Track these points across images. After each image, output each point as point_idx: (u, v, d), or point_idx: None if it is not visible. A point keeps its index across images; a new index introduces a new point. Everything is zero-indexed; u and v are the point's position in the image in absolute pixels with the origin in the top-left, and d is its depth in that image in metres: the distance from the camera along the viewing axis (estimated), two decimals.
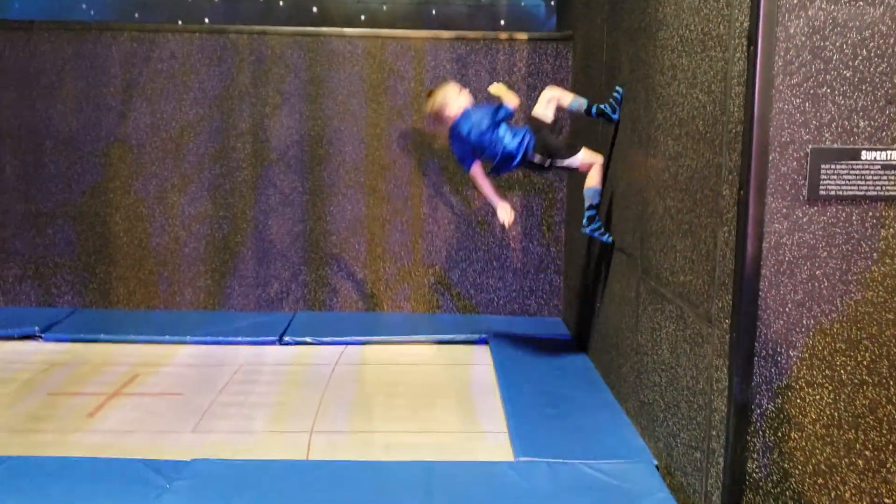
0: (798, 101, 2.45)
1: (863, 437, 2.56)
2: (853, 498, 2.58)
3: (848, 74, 2.43)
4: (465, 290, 5.78)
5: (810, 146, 2.47)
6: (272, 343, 5.12)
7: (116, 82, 5.56)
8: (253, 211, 5.69)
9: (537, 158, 4.16)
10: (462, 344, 5.17)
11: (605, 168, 4.23)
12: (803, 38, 2.43)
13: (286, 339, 5.14)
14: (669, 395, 3.21)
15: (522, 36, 5.57)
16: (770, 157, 2.47)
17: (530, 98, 5.55)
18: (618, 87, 4.10)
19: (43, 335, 5.13)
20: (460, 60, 5.56)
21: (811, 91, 2.45)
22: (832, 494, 2.58)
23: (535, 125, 4.20)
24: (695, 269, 2.93)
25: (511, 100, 4.20)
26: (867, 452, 2.57)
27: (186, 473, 3.16)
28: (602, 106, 4.19)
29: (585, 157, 4.18)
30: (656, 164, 3.42)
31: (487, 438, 3.74)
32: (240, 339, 5.13)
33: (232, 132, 5.62)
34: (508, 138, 4.16)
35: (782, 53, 2.43)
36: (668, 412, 3.22)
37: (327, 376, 4.54)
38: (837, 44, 2.42)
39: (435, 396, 4.27)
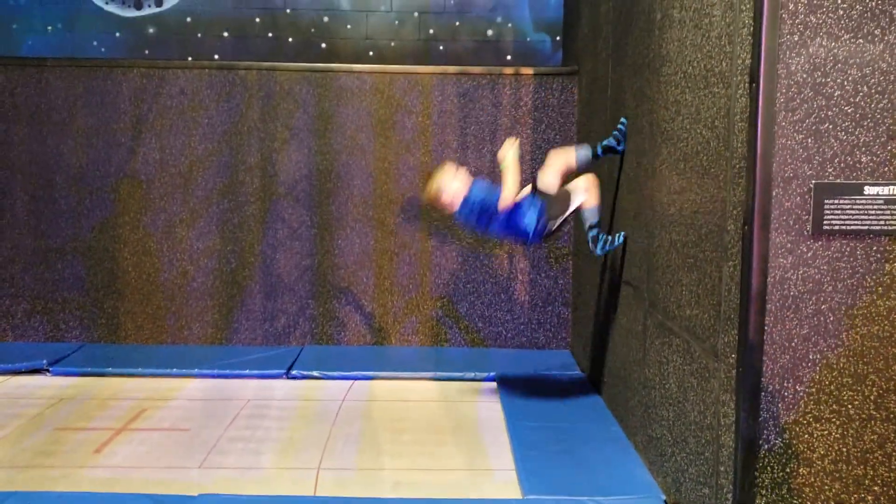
0: (800, 136, 2.47)
1: (872, 472, 2.54)
2: None
3: (849, 110, 2.45)
4: (474, 322, 5.78)
5: (813, 181, 2.48)
6: (280, 377, 5.12)
7: (126, 118, 5.63)
8: (261, 245, 5.72)
9: (551, 226, 4.12)
10: (470, 381, 5.14)
11: (613, 196, 4.17)
12: (804, 75, 2.45)
13: (294, 373, 5.14)
14: (677, 430, 3.19)
15: (528, 71, 5.62)
16: (774, 193, 2.49)
17: (536, 131, 5.60)
18: (622, 119, 4.13)
19: (50, 369, 5.15)
20: (467, 95, 5.62)
21: (813, 127, 2.47)
22: None
23: (542, 195, 4.10)
24: (701, 303, 2.93)
25: (508, 183, 4.02)
26: (876, 488, 2.54)
27: None
28: (606, 142, 4.20)
29: (578, 193, 4.11)
30: (661, 198, 3.44)
31: (495, 476, 3.71)
32: (247, 372, 5.14)
33: (240, 167, 5.67)
34: (515, 219, 4.08)
35: (784, 90, 2.46)
36: (677, 447, 3.20)
37: (335, 412, 4.53)
38: (838, 80, 2.45)
39: (443, 433, 4.25)
